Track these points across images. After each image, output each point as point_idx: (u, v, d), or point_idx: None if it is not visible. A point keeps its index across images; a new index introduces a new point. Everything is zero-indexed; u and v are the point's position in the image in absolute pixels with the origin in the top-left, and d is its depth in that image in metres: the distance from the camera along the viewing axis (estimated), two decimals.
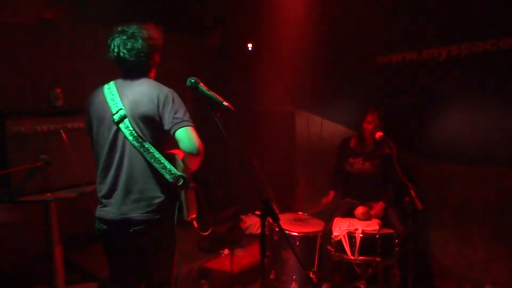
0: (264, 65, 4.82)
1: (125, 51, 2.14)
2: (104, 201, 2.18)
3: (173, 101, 2.13)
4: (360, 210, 3.32)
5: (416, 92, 3.70)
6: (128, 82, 2.20)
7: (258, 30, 4.59)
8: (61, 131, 2.98)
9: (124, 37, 2.15)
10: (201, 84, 2.14)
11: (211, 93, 2.11)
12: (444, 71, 3.49)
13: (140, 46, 2.15)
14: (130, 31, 2.16)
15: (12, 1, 3.62)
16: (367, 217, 3.29)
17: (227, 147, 2.05)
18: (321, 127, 4.43)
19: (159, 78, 2.35)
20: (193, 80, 2.14)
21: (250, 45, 4.71)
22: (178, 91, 2.24)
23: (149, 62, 2.23)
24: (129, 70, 2.21)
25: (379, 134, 3.18)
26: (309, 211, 3.78)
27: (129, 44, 2.14)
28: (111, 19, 3.89)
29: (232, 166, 4.83)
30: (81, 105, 3.32)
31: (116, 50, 2.15)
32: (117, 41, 2.15)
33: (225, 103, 2.07)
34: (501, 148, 3.28)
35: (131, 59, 2.15)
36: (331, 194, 3.73)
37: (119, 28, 2.19)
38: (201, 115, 2.24)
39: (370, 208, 3.42)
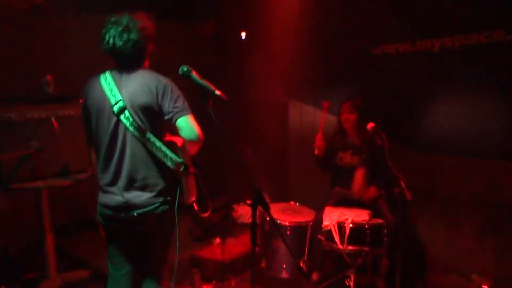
0: (258, 55, 4.80)
1: (121, 44, 2.13)
2: (107, 188, 2.24)
3: (171, 90, 2.18)
4: (356, 184, 3.37)
5: (409, 84, 3.71)
6: (125, 73, 2.21)
7: (252, 19, 4.56)
8: (52, 118, 2.97)
9: (119, 29, 2.14)
10: (194, 72, 2.15)
11: (203, 82, 2.12)
12: (438, 63, 3.50)
13: (136, 38, 2.15)
14: (124, 22, 2.15)
15: None
16: (363, 192, 3.36)
17: (219, 136, 2.08)
18: (313, 117, 4.43)
19: (152, 66, 2.34)
20: (185, 69, 2.14)
21: (243, 34, 4.68)
22: (171, 78, 2.25)
23: (144, 53, 2.25)
24: (124, 61, 2.22)
25: (371, 125, 3.18)
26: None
27: (124, 35, 2.13)
28: (103, 5, 3.85)
29: (224, 155, 4.83)
30: (72, 92, 3.32)
31: (111, 41, 2.14)
32: (111, 33, 2.14)
33: (217, 92, 2.08)
34: (492, 141, 3.31)
35: (128, 51, 2.16)
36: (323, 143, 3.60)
37: (112, 19, 2.17)
38: (193, 103, 2.25)
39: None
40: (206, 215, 2.36)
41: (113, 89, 2.17)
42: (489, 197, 3.40)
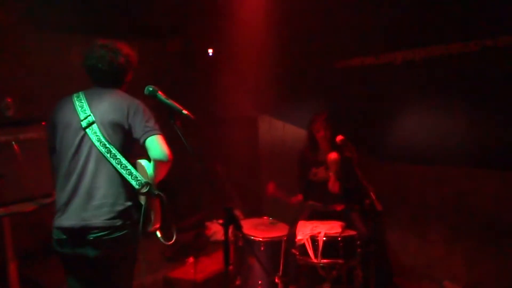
0: (225, 70, 4.82)
1: (103, 63, 2.22)
2: (63, 208, 2.14)
3: (143, 111, 2.19)
4: (333, 155, 3.39)
5: (375, 96, 3.80)
6: (98, 91, 2.26)
7: (219, 35, 4.58)
8: (13, 142, 2.87)
9: (104, 50, 2.23)
10: (160, 92, 2.14)
11: (170, 102, 2.11)
12: (400, 75, 3.60)
13: (119, 60, 2.24)
14: (110, 46, 2.25)
15: None
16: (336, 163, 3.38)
17: (189, 154, 2.05)
18: (283, 131, 4.47)
19: None
20: (151, 89, 2.14)
21: (210, 51, 4.69)
22: (139, 97, 2.25)
23: (123, 77, 2.33)
24: (102, 81, 2.27)
25: (339, 138, 3.21)
26: (271, 192, 3.70)
27: (108, 57, 2.22)
28: (67, 25, 3.78)
29: (194, 173, 4.78)
30: (34, 114, 3.21)
31: (94, 61, 2.22)
32: (96, 53, 2.23)
33: (184, 112, 2.06)
34: (456, 149, 3.40)
35: (108, 70, 2.23)
36: (300, 196, 3.75)
37: (99, 42, 2.26)
38: (162, 122, 2.23)
39: (332, 211, 3.50)
40: (170, 243, 2.21)
41: (84, 106, 2.18)
42: (457, 204, 3.49)
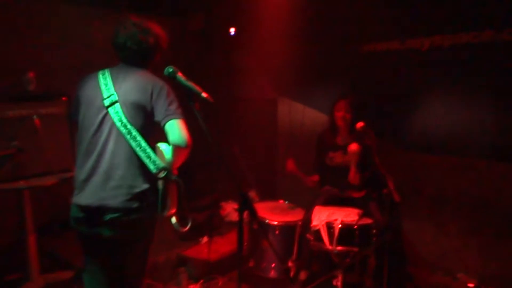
0: (246, 51, 4.74)
1: (133, 42, 2.19)
2: (82, 186, 2.14)
3: (167, 93, 2.15)
4: (354, 146, 3.33)
5: (398, 82, 3.70)
6: (124, 70, 2.23)
7: (241, 14, 4.49)
8: (34, 116, 2.90)
9: (134, 29, 2.20)
10: (180, 73, 2.09)
11: (189, 84, 2.06)
12: (427, 62, 3.49)
13: (148, 40, 2.21)
14: (141, 24, 2.22)
15: None
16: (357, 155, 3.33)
17: (206, 135, 2.01)
18: (303, 114, 4.41)
19: None
20: (171, 70, 2.09)
21: (232, 30, 4.60)
22: (156, 73, 2.24)
23: (150, 58, 2.29)
24: (129, 60, 2.25)
25: (360, 124, 3.14)
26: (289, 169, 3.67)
27: (138, 35, 2.19)
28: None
29: (211, 154, 4.76)
30: (55, 90, 3.22)
31: (123, 38, 2.19)
32: (127, 30, 2.20)
33: (203, 95, 2.02)
34: (479, 141, 3.32)
35: (137, 50, 2.21)
36: (316, 176, 3.72)
37: (131, 20, 2.23)
38: (179, 100, 2.20)
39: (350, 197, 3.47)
40: (185, 230, 2.22)
41: (108, 84, 2.16)
42: (475, 196, 3.42)
